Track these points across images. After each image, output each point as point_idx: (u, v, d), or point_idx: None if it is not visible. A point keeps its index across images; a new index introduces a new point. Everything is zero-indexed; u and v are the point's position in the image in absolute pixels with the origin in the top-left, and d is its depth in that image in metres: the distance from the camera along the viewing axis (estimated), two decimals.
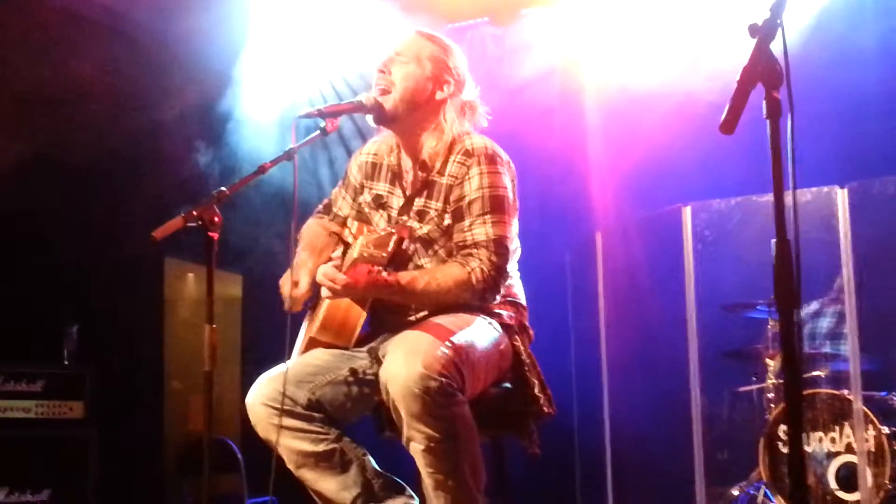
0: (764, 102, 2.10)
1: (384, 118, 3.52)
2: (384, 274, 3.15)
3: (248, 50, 6.60)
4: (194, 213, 3.03)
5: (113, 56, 5.99)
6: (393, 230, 3.08)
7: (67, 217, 5.78)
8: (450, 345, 3.16)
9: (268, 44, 6.71)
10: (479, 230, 3.38)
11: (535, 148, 6.38)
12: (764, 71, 2.09)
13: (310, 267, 3.54)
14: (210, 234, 3.06)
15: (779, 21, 2.10)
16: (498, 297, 3.45)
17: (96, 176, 6.00)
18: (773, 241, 2.07)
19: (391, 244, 3.03)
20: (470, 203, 3.40)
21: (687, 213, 5.95)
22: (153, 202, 5.94)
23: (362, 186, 3.73)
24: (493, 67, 6.80)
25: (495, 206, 3.40)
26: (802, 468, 1.99)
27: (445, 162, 3.47)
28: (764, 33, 2.11)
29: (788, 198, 2.16)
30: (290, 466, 3.43)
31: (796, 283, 2.05)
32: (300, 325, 3.80)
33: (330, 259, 3.59)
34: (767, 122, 2.08)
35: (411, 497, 3.45)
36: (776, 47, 2.13)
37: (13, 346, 5.50)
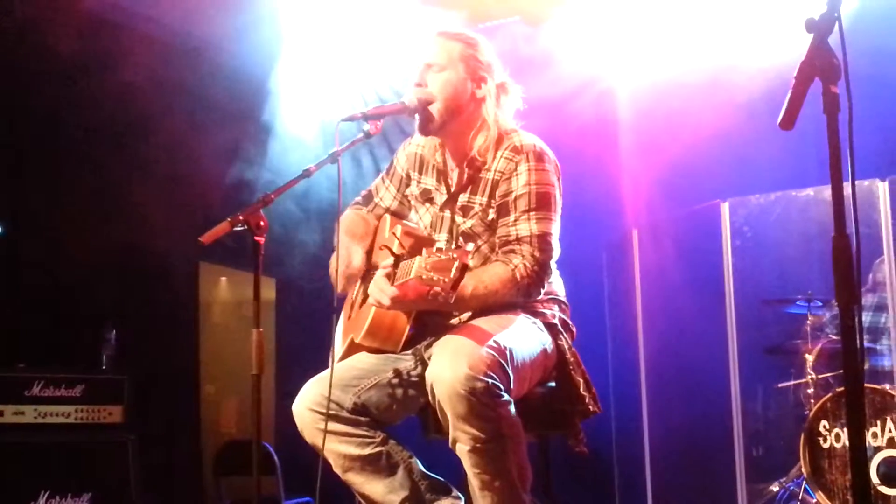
0: (822, 97, 2.08)
1: (431, 128, 3.50)
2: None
3: (284, 54, 6.60)
4: (241, 217, 3.03)
5: (148, 62, 6.01)
6: (454, 255, 2.94)
7: (104, 223, 5.80)
8: (495, 346, 3.15)
9: (302, 49, 6.71)
10: (524, 226, 3.37)
11: (569, 146, 6.32)
12: (821, 66, 2.06)
13: (358, 246, 3.60)
14: (256, 238, 3.06)
15: (836, 15, 2.08)
16: (542, 292, 3.44)
17: (132, 181, 6.03)
18: (833, 236, 2.04)
19: (454, 270, 2.89)
20: (516, 199, 3.40)
21: (725, 208, 5.92)
22: (189, 207, 5.97)
23: (409, 177, 3.74)
24: (524, 67, 6.77)
25: (541, 202, 3.39)
26: (864, 471, 1.97)
27: (493, 157, 3.47)
28: (821, 28, 2.08)
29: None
30: (337, 471, 3.43)
31: (856, 278, 2.03)
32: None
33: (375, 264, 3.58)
34: (825, 117, 2.06)
35: (458, 498, 3.44)
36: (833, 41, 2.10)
37: (52, 352, 5.54)
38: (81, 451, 5.26)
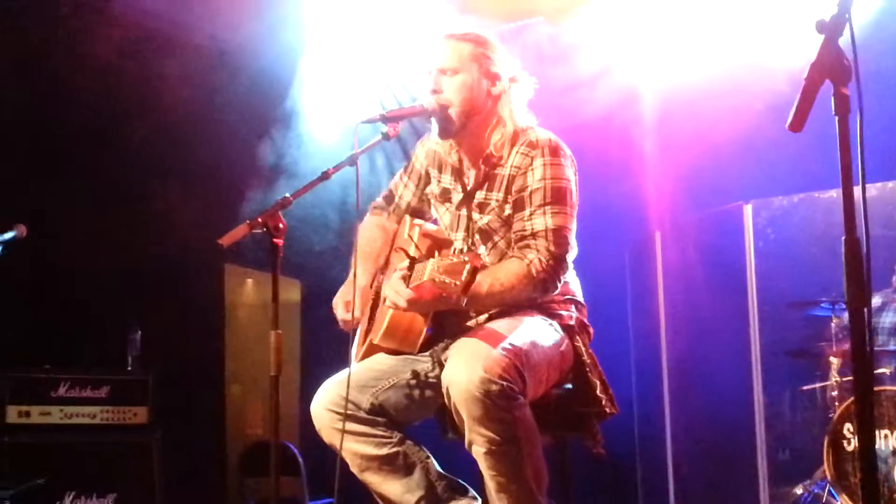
0: (832, 99, 2.07)
1: (451, 131, 3.49)
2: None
3: (306, 57, 6.63)
4: (259, 219, 3.06)
5: (177, 65, 6.06)
6: (466, 258, 2.93)
7: (130, 224, 5.84)
8: (510, 348, 3.15)
9: (325, 49, 6.73)
10: (539, 220, 3.36)
11: (593, 147, 6.32)
12: (832, 67, 2.06)
13: (362, 285, 3.61)
14: (275, 240, 3.08)
15: (847, 16, 2.07)
16: (559, 286, 3.41)
17: (157, 183, 6.07)
18: (843, 238, 2.04)
19: (465, 273, 2.89)
20: (532, 193, 3.39)
21: (748, 210, 5.90)
22: (215, 209, 6.00)
23: (428, 175, 3.74)
24: (549, 67, 6.76)
25: (557, 197, 3.38)
26: (873, 471, 1.96)
27: (509, 153, 3.46)
28: (831, 29, 2.08)
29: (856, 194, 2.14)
30: (354, 470, 3.45)
31: (866, 281, 2.02)
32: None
33: (390, 266, 3.59)
34: (836, 118, 2.05)
35: (475, 498, 3.45)
36: (844, 42, 2.10)
37: (78, 353, 5.58)
38: (107, 451, 5.28)
